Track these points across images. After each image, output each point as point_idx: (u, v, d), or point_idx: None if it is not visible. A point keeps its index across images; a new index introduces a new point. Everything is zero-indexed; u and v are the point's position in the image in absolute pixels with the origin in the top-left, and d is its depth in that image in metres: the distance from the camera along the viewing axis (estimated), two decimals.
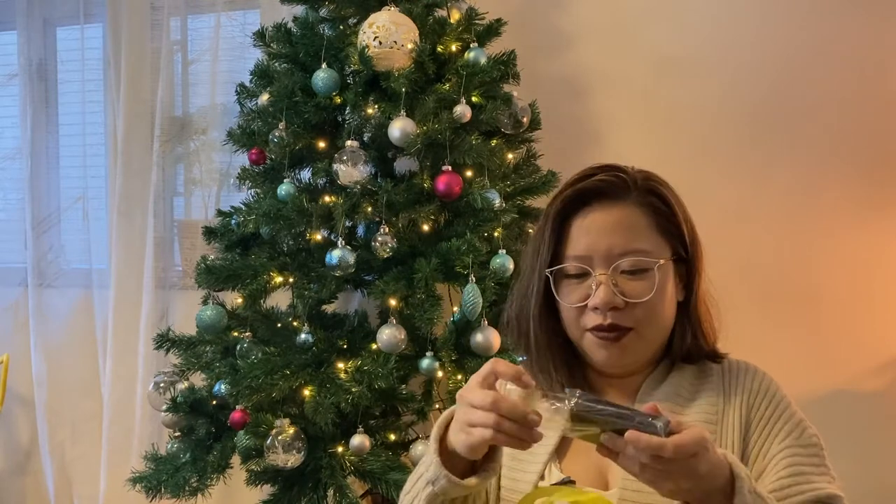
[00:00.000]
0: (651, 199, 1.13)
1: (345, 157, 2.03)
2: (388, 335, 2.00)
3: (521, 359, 1.25)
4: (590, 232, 1.12)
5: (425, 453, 1.08)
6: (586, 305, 1.10)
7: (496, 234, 2.08)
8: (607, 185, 1.13)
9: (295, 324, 2.18)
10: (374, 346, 2.06)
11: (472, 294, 1.96)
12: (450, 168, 2.04)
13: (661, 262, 1.10)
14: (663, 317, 1.13)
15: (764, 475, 1.07)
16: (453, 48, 2.18)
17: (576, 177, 1.16)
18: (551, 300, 1.15)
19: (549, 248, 1.14)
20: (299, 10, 2.31)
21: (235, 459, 2.17)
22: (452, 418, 1.02)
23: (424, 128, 2.03)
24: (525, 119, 2.22)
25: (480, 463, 1.02)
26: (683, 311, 1.16)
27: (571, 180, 1.16)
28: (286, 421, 2.03)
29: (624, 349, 1.11)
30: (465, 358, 2.07)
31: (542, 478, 1.13)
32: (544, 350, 1.17)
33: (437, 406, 2.20)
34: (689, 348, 1.16)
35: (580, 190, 1.14)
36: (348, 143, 2.06)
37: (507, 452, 1.17)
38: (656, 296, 1.09)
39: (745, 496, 0.93)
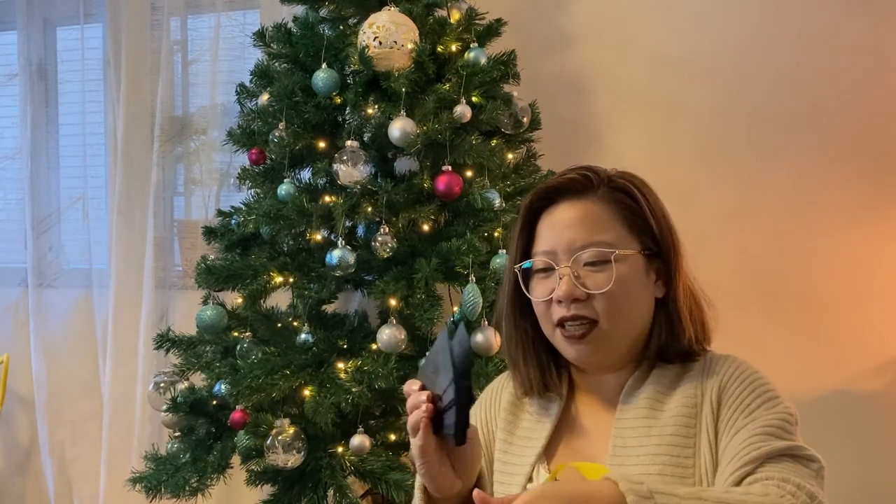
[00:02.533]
0: (617, 194, 1.15)
1: (345, 157, 2.03)
2: (388, 335, 2.00)
3: None
4: (554, 227, 1.14)
5: None
6: (552, 299, 1.12)
7: (496, 234, 2.08)
8: (574, 183, 1.16)
9: (295, 324, 2.18)
10: (374, 346, 2.06)
11: (472, 294, 1.96)
12: (450, 168, 2.04)
13: (619, 252, 1.11)
14: (630, 310, 1.12)
15: (729, 450, 1.04)
16: (453, 48, 2.18)
17: (548, 179, 1.20)
18: (525, 298, 1.17)
19: (519, 246, 1.18)
20: (299, 10, 2.31)
21: (235, 459, 2.17)
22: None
23: (424, 128, 2.03)
24: (525, 119, 2.22)
25: None
26: (662, 308, 1.15)
27: (543, 182, 1.20)
28: (286, 421, 2.03)
29: (591, 345, 1.11)
30: None
31: (529, 479, 1.14)
32: (516, 347, 1.20)
33: None
34: (665, 346, 1.14)
35: (548, 188, 1.17)
36: (348, 143, 2.06)
37: (497, 458, 1.18)
38: (618, 287, 1.09)
39: None
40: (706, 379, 1.12)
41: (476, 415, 1.25)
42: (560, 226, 1.14)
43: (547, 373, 1.18)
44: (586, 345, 1.11)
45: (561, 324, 1.12)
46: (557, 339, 1.14)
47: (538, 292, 1.14)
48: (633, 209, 1.14)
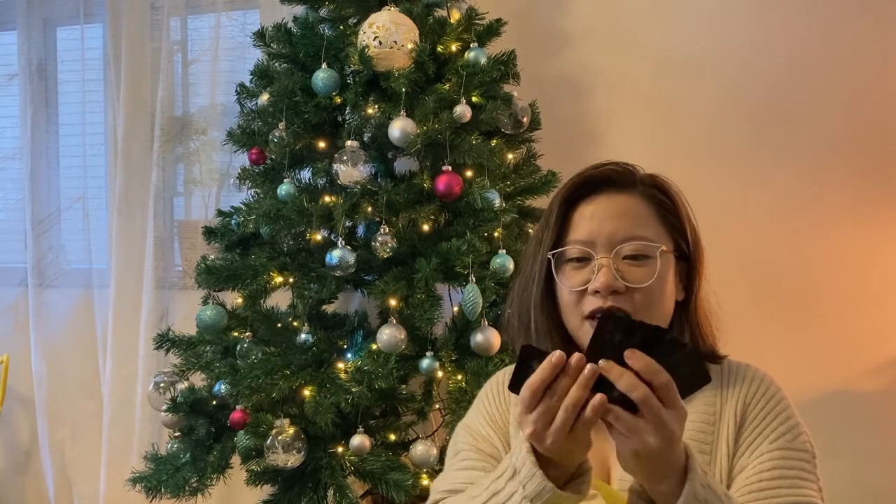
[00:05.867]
0: (656, 192, 1.15)
1: (345, 157, 2.03)
2: (388, 335, 2.00)
3: None
4: (594, 217, 1.13)
5: (506, 478, 0.98)
6: (586, 290, 1.10)
7: (496, 234, 2.08)
8: (614, 174, 1.15)
9: (295, 324, 2.18)
10: (374, 346, 2.06)
11: (472, 294, 1.96)
12: (450, 168, 2.04)
13: (663, 247, 1.11)
14: (662, 307, 1.12)
15: (746, 470, 1.06)
16: (453, 48, 2.18)
17: (584, 169, 1.17)
18: (553, 288, 1.15)
19: (554, 233, 1.15)
20: (299, 10, 2.31)
21: (235, 459, 2.17)
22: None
23: (424, 128, 2.03)
24: (525, 119, 2.22)
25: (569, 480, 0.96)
26: (682, 312, 1.16)
27: (580, 172, 1.17)
28: (286, 421, 2.03)
29: None
30: (465, 358, 2.07)
31: None
32: (545, 337, 1.17)
33: (437, 406, 2.20)
34: None
35: (587, 178, 1.15)
36: (348, 143, 2.06)
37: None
38: (656, 283, 1.09)
39: (696, 486, 0.91)
40: (728, 387, 1.14)
41: (484, 409, 1.25)
42: (600, 216, 1.12)
43: None
44: None
45: (592, 315, 1.10)
46: (584, 332, 1.12)
47: (571, 281, 1.12)
48: (671, 209, 1.15)
